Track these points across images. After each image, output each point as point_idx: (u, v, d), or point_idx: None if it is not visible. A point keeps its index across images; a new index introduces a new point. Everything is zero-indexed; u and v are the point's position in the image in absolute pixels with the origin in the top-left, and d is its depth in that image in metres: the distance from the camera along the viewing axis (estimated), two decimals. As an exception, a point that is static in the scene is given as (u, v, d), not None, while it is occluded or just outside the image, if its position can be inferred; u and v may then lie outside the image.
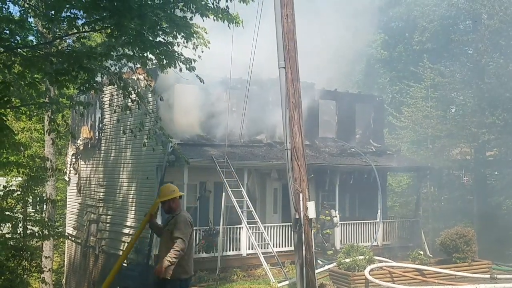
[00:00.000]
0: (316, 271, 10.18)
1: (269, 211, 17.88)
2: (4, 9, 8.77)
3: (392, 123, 29.07)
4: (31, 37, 11.28)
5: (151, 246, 15.16)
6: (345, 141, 20.14)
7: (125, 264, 16.37)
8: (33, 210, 19.44)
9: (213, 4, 9.10)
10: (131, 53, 8.56)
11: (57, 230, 15.91)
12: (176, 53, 9.13)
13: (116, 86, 10.67)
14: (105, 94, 18.73)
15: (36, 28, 14.05)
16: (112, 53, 8.15)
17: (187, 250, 5.93)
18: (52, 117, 12.97)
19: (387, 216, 20.19)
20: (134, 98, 11.46)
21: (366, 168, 18.32)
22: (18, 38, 8.03)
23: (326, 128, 20.09)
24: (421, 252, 15.48)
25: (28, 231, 13.73)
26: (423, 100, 27.45)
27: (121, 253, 17.17)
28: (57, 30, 12.43)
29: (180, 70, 9.62)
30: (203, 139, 16.62)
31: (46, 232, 13.85)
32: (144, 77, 14.96)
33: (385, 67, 34.11)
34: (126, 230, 17.34)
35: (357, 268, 12.66)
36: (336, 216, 17.11)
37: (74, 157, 21.55)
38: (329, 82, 19.88)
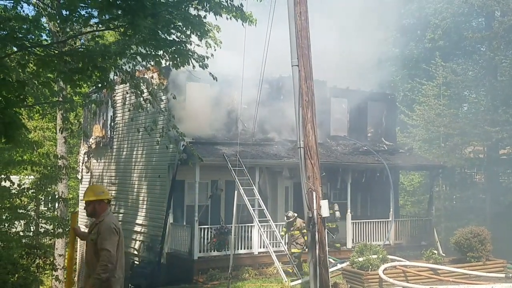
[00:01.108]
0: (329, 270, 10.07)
1: (280, 209, 17.88)
2: (18, 8, 8.78)
3: (404, 121, 28.93)
4: (44, 36, 11.17)
5: (163, 244, 15.45)
6: (357, 140, 20.12)
7: (137, 262, 16.64)
8: (45, 208, 19.62)
9: (227, 2, 9.09)
10: (145, 52, 8.49)
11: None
12: (190, 51, 9.04)
13: (128, 84, 10.63)
14: (117, 93, 18.84)
15: (48, 28, 14.25)
16: (126, 51, 8.11)
17: (116, 260, 5.32)
18: (65, 115, 13.31)
19: (399, 215, 20.16)
20: (147, 97, 11.57)
21: (378, 166, 18.28)
22: (32, 37, 7.87)
23: (338, 126, 20.11)
24: (435, 251, 15.50)
25: (41, 229, 13.94)
26: (435, 98, 27.23)
27: (132, 250, 17.43)
28: (69, 30, 12.42)
29: (193, 67, 9.54)
30: (215, 138, 16.72)
31: (59, 230, 13.91)
32: (157, 75, 15.12)
33: (397, 65, 33.84)
34: (138, 228, 17.56)
35: (370, 267, 12.60)
36: (338, 211, 17.06)
37: (86, 155, 21.68)
38: (341, 80, 19.87)
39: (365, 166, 18.27)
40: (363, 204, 20.41)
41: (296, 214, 14.75)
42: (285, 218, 14.86)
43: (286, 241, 14.94)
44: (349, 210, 17.72)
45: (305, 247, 13.72)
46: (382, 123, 21.53)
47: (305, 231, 13.85)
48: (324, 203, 9.30)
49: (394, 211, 18.65)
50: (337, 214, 16.70)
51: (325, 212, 9.31)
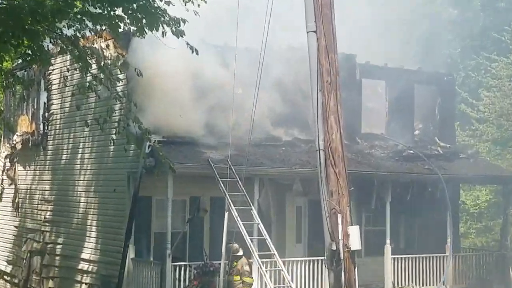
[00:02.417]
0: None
1: (290, 239, 18.18)
2: None
3: (466, 113, 29.10)
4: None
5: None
6: (399, 140, 20.36)
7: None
8: None
9: None
10: (95, 10, 8.39)
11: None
12: (160, 10, 8.98)
13: (70, 56, 10.54)
14: (54, 69, 18.86)
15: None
16: (68, 10, 8.00)
17: None
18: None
19: (459, 248, 20.32)
20: (97, 75, 11.54)
21: (430, 178, 18.54)
22: None
23: (372, 120, 20.40)
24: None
25: None
26: (510, 80, 27.33)
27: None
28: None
29: (164, 34, 9.35)
30: (197, 136, 16.96)
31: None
32: (113, 44, 15.22)
33: (455, 32, 33.75)
34: (84, 266, 17.53)
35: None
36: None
37: (8, 160, 21.66)
38: (376, 55, 20.01)
39: (410, 178, 18.40)
40: (408, 232, 20.65)
41: (242, 251, 14.91)
42: (225, 249, 14.99)
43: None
44: (388, 241, 17.85)
45: None
46: (435, 115, 21.86)
47: (247, 279, 14.59)
48: (354, 230, 9.44)
49: (453, 242, 18.76)
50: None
51: (356, 242, 9.45)
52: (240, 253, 14.97)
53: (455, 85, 24.81)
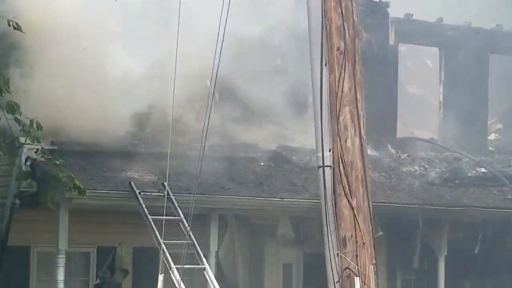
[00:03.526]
0: None
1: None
2: None
3: None
4: None
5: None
6: (461, 149, 20.28)
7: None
8: None
9: None
10: None
11: None
12: None
13: None
14: None
15: None
16: None
17: None
18: None
19: None
20: None
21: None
22: None
23: (416, 115, 20.17)
24: None
25: None
26: None
27: None
28: None
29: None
30: (111, 141, 16.65)
31: None
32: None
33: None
34: None
35: None
36: None
37: None
38: (424, 2, 19.60)
39: (482, 215, 17.96)
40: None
41: None
42: None
43: None
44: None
45: None
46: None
47: None
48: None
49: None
50: None
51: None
52: None
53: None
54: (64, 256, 14.88)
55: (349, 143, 8.77)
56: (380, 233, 14.75)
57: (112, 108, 16.61)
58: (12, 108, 12.38)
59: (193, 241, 14.52)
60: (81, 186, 13.54)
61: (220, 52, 10.16)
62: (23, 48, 15.73)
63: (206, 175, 15.41)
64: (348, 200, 8.67)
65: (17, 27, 12.61)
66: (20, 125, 12.71)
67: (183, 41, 11.14)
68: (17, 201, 15.07)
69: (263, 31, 17.82)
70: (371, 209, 8.86)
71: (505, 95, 21.70)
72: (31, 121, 12.56)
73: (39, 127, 12.96)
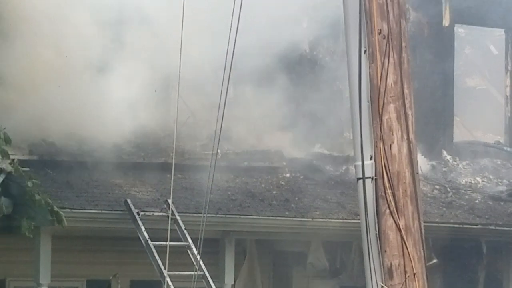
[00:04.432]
0: None
1: None
2: None
3: None
4: None
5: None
6: None
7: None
8: None
9: None
10: None
11: None
12: None
13: None
14: None
15: None
16: None
17: None
18: None
19: None
20: None
21: None
22: None
23: (477, 112, 20.53)
24: None
25: None
26: None
27: None
28: None
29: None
30: (100, 148, 16.68)
31: None
32: None
33: None
34: None
35: None
36: None
37: None
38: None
39: None
40: None
41: None
42: None
43: None
44: None
45: None
46: None
47: None
48: None
49: None
50: None
51: None
52: None
53: None
54: (47, 289, 14.96)
55: (395, 149, 8.64)
56: (435, 260, 15.29)
57: (105, 110, 16.74)
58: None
59: (204, 272, 14.53)
60: (60, 212, 13.88)
61: (235, 42, 10.29)
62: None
63: (219, 190, 15.66)
64: (394, 220, 8.56)
65: None
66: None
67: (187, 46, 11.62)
68: (-13, 226, 15.55)
69: (285, 20, 18.02)
70: (422, 231, 8.65)
71: None
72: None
73: (7, 140, 13.50)
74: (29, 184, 14.29)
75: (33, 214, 14.42)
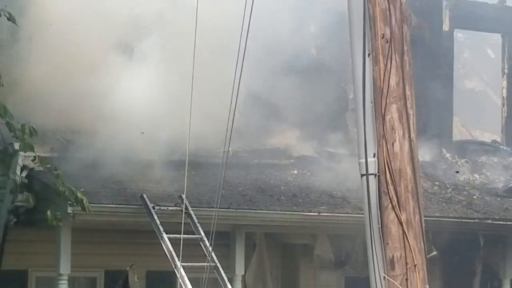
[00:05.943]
0: None
1: None
2: None
3: None
4: None
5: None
6: None
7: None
8: None
9: None
10: None
11: None
12: None
13: None
14: None
15: None
16: None
17: None
18: None
19: None
20: None
21: None
22: None
23: (475, 112, 20.67)
24: None
25: None
26: None
27: None
28: None
29: None
30: (120, 148, 16.41)
31: None
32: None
33: None
34: None
35: None
36: None
37: None
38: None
39: None
40: None
41: None
42: None
43: None
44: None
45: None
46: None
47: None
48: None
49: None
50: None
51: None
52: None
53: None
54: (67, 281, 15.10)
55: (396, 147, 8.82)
56: (434, 252, 15.52)
57: (124, 109, 16.74)
58: (3, 109, 12.68)
59: (216, 264, 14.74)
60: (85, 200, 13.80)
61: (246, 41, 10.27)
62: (21, 42, 15.98)
63: (230, 186, 15.93)
64: (396, 214, 8.75)
65: (10, 19, 12.85)
66: (11, 130, 13.02)
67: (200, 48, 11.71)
68: (12, 218, 15.34)
69: (296, 20, 17.99)
70: (423, 225, 8.86)
71: None
72: (23, 125, 12.74)
73: (32, 133, 13.12)
74: (56, 172, 14.13)
75: (57, 204, 14.41)
